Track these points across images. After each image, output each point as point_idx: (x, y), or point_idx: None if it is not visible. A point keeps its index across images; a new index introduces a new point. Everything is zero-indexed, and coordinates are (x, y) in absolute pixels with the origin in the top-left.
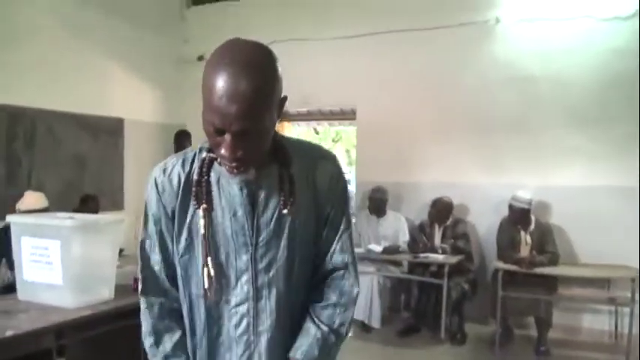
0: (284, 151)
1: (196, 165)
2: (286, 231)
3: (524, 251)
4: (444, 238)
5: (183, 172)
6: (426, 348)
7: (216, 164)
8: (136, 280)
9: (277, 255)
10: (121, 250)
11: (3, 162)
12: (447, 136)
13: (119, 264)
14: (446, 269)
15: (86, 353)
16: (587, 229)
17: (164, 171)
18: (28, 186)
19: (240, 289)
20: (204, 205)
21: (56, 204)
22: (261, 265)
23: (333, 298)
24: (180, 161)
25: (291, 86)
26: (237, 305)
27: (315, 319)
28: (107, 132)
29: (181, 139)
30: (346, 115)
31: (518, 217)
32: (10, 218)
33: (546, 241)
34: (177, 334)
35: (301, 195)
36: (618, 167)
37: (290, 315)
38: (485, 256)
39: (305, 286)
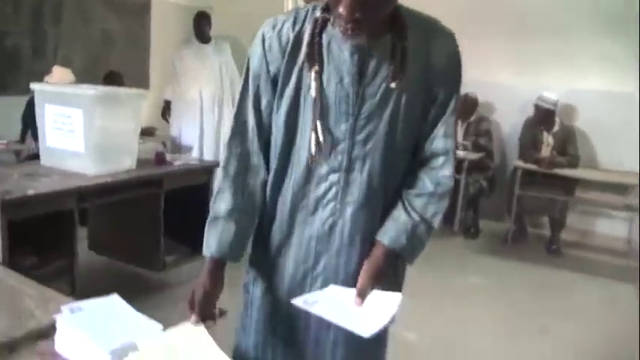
0: (401, 20)
1: (308, 25)
2: (391, 105)
3: (546, 152)
4: (466, 134)
5: (293, 30)
6: (439, 239)
7: (329, 26)
8: (157, 154)
9: (377, 129)
10: (154, 129)
11: (29, 36)
12: (476, 30)
13: (141, 141)
14: (465, 165)
15: (108, 219)
16: (610, 135)
17: (273, 27)
18: (54, 61)
19: (334, 157)
20: (316, 68)
21: (81, 80)
22: (359, 137)
23: (429, 186)
24: (291, 19)
25: None
26: (329, 173)
27: (407, 207)
28: (134, 11)
29: (200, 22)
30: None
31: (543, 117)
32: (35, 86)
33: (568, 144)
34: (236, 200)
35: (412, 70)
36: None
37: (382, 195)
38: (507, 155)
39: (401, 170)
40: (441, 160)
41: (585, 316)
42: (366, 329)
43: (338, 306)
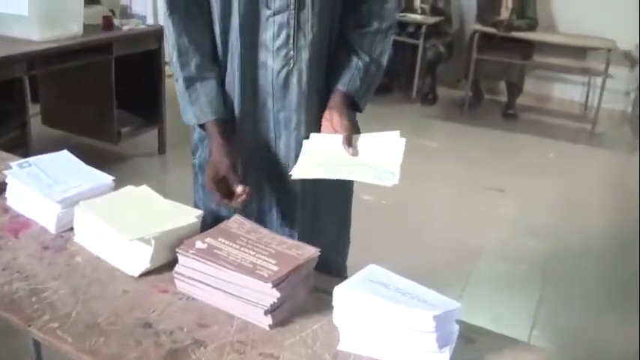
0: None
1: None
2: None
3: (504, 14)
4: None
5: None
6: (397, 106)
7: None
8: (104, 18)
9: None
10: None
11: None
12: None
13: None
14: (422, 30)
15: (60, 90)
16: None
17: None
18: None
19: None
20: None
21: None
22: None
23: (373, 23)
24: None
25: None
26: (276, 14)
27: (355, 48)
28: None
29: None
30: None
31: None
32: None
33: (527, 6)
34: (201, 56)
35: None
36: None
37: (329, 36)
38: (466, 20)
39: (344, 4)
40: None
41: (540, 175)
42: (387, 176)
43: (338, 160)
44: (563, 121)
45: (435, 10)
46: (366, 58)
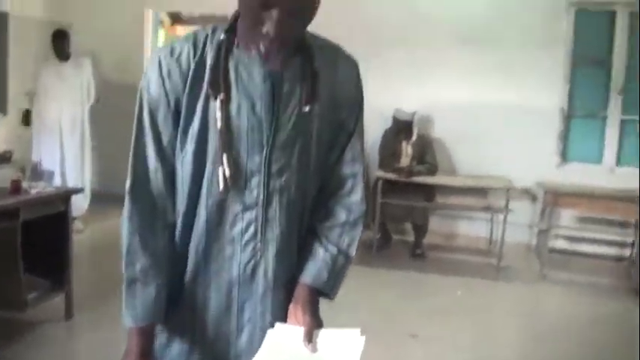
0: (307, 42)
1: (210, 48)
2: (304, 132)
3: (405, 162)
4: None
5: (195, 55)
6: None
7: (234, 49)
8: (12, 182)
9: (292, 157)
10: (10, 154)
11: None
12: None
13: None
14: None
15: None
16: (467, 142)
17: (171, 52)
18: None
19: (249, 193)
20: (222, 96)
21: None
22: (274, 168)
23: (341, 216)
24: (190, 42)
25: None
26: (245, 210)
27: (323, 240)
28: None
29: (58, 41)
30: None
31: (401, 128)
32: None
33: (426, 153)
34: (150, 256)
35: (321, 94)
36: (498, 85)
37: (298, 229)
38: (370, 166)
39: (313, 199)
40: (349, 184)
41: (450, 315)
42: None
43: (296, 356)
44: (469, 257)
45: None
46: (334, 250)
